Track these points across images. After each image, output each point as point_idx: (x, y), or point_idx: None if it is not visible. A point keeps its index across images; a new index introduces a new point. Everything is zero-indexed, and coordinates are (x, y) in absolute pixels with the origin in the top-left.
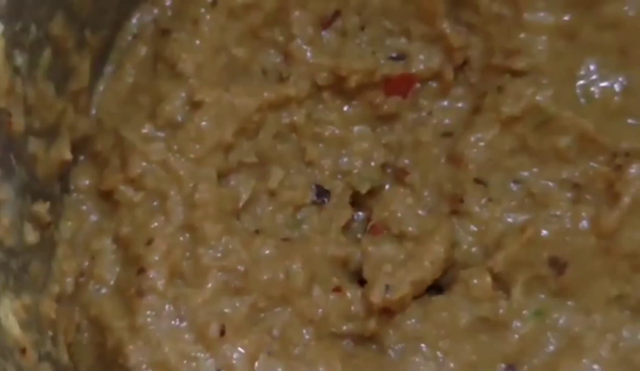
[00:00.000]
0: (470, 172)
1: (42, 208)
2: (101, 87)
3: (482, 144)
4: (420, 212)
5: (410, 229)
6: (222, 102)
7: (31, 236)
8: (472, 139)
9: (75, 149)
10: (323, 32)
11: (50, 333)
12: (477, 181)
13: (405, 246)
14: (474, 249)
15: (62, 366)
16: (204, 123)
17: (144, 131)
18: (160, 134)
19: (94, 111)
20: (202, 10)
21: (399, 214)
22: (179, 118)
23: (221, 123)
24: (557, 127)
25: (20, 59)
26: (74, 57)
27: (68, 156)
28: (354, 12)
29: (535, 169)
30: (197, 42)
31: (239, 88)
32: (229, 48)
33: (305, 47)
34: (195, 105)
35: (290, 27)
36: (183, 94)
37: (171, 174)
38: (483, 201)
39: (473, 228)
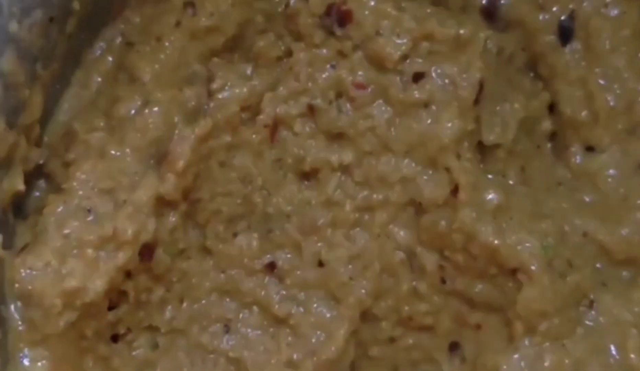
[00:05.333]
0: None
1: None
2: (66, 96)
3: None
4: None
5: None
6: (175, 100)
7: None
8: None
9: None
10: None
11: None
12: None
13: None
14: None
15: None
16: (151, 119)
17: (94, 123)
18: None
19: (60, 117)
20: (167, 29)
21: None
22: (131, 113)
23: (169, 118)
24: None
25: None
26: (25, 91)
27: (21, 186)
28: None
29: None
30: (161, 56)
31: (193, 89)
32: (189, 65)
33: None
34: (147, 103)
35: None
36: (137, 97)
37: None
38: None
39: None
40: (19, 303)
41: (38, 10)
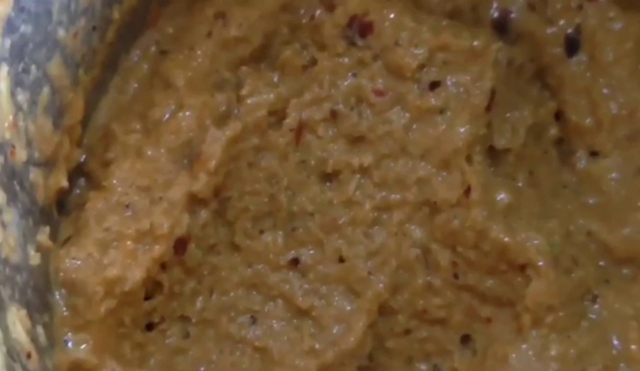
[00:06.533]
0: None
1: (43, 234)
2: (105, 100)
3: None
4: None
5: None
6: (207, 104)
7: (34, 258)
8: None
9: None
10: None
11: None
12: None
13: None
14: None
15: None
16: (184, 122)
17: (131, 126)
18: (144, 129)
19: (99, 120)
20: (199, 38)
21: None
22: (166, 117)
23: (201, 121)
24: None
25: (22, 96)
26: (69, 94)
27: (65, 183)
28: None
29: None
30: (193, 64)
31: (224, 95)
32: (220, 72)
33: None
34: (181, 107)
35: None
36: (171, 101)
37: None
38: None
39: None
40: (63, 291)
41: (82, 19)
